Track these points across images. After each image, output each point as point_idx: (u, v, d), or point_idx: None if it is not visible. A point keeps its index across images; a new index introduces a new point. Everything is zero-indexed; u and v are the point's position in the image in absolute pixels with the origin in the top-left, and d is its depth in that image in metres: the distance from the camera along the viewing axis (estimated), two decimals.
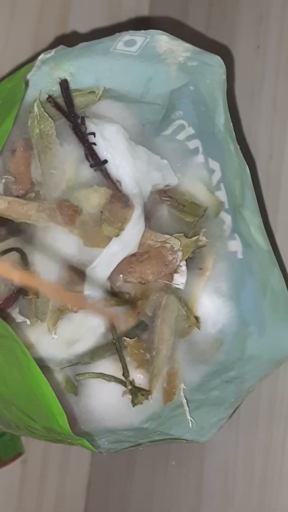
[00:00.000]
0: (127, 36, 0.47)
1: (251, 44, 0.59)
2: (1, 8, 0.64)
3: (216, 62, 0.48)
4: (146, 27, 0.48)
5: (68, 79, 0.48)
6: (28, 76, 0.46)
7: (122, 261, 0.50)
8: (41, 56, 0.45)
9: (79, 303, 0.28)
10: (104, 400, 0.51)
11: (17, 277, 0.25)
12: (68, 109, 0.48)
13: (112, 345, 0.51)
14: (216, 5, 0.62)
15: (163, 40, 0.47)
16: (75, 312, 0.49)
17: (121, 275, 0.50)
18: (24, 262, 0.48)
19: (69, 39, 0.65)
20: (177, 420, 0.51)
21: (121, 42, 0.47)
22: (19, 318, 0.49)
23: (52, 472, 0.70)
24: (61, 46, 0.46)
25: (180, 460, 0.61)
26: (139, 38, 0.47)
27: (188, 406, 0.51)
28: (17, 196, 0.48)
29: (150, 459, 0.64)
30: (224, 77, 0.49)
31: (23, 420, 0.46)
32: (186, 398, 0.51)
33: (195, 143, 0.53)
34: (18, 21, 0.64)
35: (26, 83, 0.45)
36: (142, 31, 0.47)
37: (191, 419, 0.50)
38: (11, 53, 0.64)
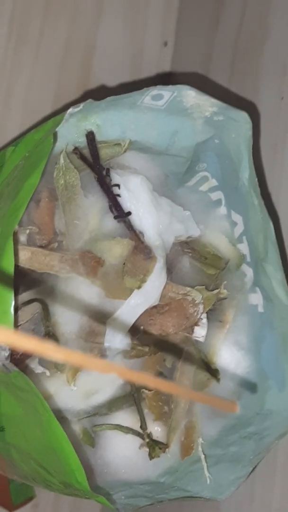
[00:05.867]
0: (154, 90, 0.47)
1: (275, 95, 0.59)
2: (25, 57, 0.64)
3: (242, 118, 0.48)
4: (168, 81, 0.48)
5: (95, 131, 0.48)
6: (56, 129, 0.46)
7: (143, 313, 0.49)
8: (70, 110, 0.46)
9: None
10: (121, 452, 0.51)
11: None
12: (94, 161, 0.49)
13: (130, 397, 0.51)
14: (239, 57, 0.63)
15: (190, 95, 0.48)
16: None
17: (141, 327, 0.50)
18: (46, 313, 0.48)
19: (93, 93, 0.66)
20: (194, 475, 0.50)
21: (148, 96, 0.47)
22: (39, 369, 0.48)
23: None
24: (89, 100, 0.46)
25: None
26: (167, 92, 0.47)
27: (206, 462, 0.50)
28: (40, 246, 0.48)
29: (162, 508, 0.63)
30: (250, 132, 0.49)
31: (41, 473, 0.45)
32: (204, 453, 0.51)
33: (217, 195, 0.53)
34: (41, 69, 0.65)
35: (55, 137, 0.45)
36: (170, 86, 0.47)
37: (209, 475, 0.50)
38: (33, 101, 0.64)
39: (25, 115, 0.64)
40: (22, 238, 0.48)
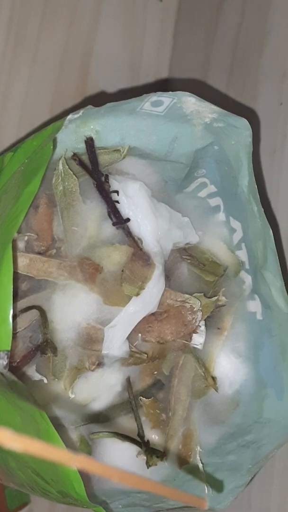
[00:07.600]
0: (154, 97, 0.47)
1: (274, 101, 0.59)
2: (22, 62, 0.64)
3: (242, 124, 0.48)
4: (166, 87, 0.48)
5: (94, 137, 0.48)
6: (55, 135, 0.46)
7: (141, 320, 0.49)
8: (69, 116, 0.45)
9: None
10: (118, 461, 0.50)
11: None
12: (93, 167, 0.48)
13: (128, 404, 0.50)
14: (238, 63, 0.63)
15: (190, 102, 0.47)
16: (92, 371, 0.49)
17: (139, 334, 0.50)
18: (44, 320, 0.47)
19: (91, 100, 0.65)
20: (192, 484, 0.50)
21: (148, 102, 0.47)
22: (36, 376, 0.48)
23: None
24: (89, 106, 0.46)
25: None
26: (167, 99, 0.47)
27: (204, 470, 0.50)
28: (38, 253, 0.48)
29: None
30: (250, 139, 0.48)
31: (38, 483, 0.45)
32: (202, 462, 0.50)
33: (216, 201, 0.53)
34: (38, 74, 0.65)
35: (54, 143, 0.45)
36: (170, 92, 0.47)
37: (207, 484, 0.49)
38: (31, 106, 0.64)
39: (22, 120, 0.64)
40: (20, 244, 0.48)
